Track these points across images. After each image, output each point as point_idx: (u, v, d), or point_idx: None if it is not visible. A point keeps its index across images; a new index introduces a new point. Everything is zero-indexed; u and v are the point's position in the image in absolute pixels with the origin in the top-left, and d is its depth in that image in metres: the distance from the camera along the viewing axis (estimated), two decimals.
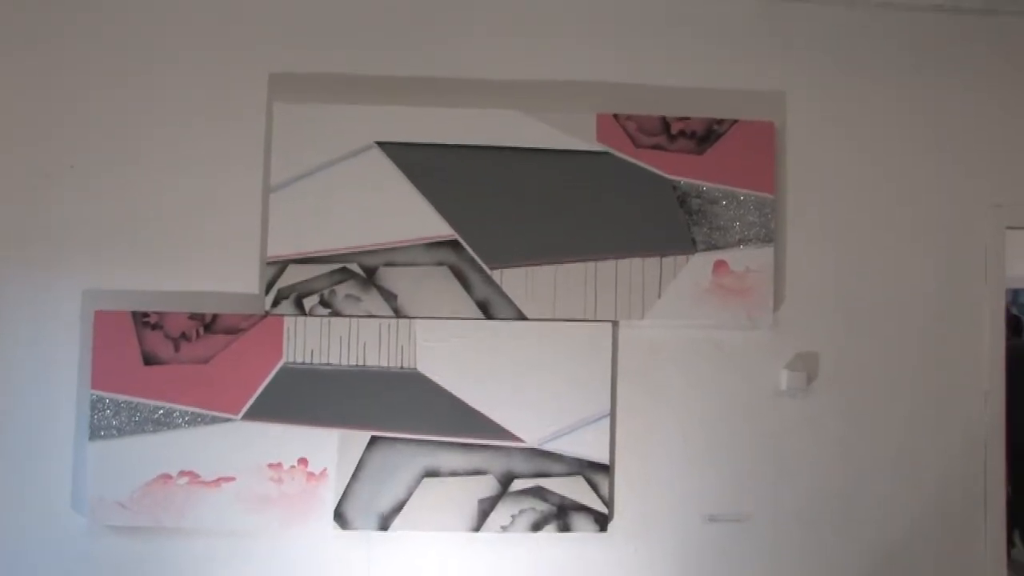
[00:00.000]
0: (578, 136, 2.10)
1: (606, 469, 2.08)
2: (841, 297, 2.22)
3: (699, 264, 2.11)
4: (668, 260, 2.10)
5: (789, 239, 2.21)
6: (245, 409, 2.05)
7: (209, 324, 2.06)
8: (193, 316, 2.06)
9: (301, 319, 2.06)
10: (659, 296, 2.09)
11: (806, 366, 2.20)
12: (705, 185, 2.13)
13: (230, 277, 2.10)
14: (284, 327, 2.06)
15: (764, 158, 2.15)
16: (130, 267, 2.08)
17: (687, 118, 2.14)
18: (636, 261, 2.10)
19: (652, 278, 2.09)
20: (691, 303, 2.10)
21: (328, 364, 2.05)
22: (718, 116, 2.16)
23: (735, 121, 2.15)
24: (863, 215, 2.25)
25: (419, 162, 2.08)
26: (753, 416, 2.19)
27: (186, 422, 2.06)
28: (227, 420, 2.05)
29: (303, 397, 2.05)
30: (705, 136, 2.14)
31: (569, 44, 2.19)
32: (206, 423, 2.05)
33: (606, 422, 2.08)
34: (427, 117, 2.10)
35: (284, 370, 2.05)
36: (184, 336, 2.06)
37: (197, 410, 2.05)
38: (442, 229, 2.07)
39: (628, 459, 2.13)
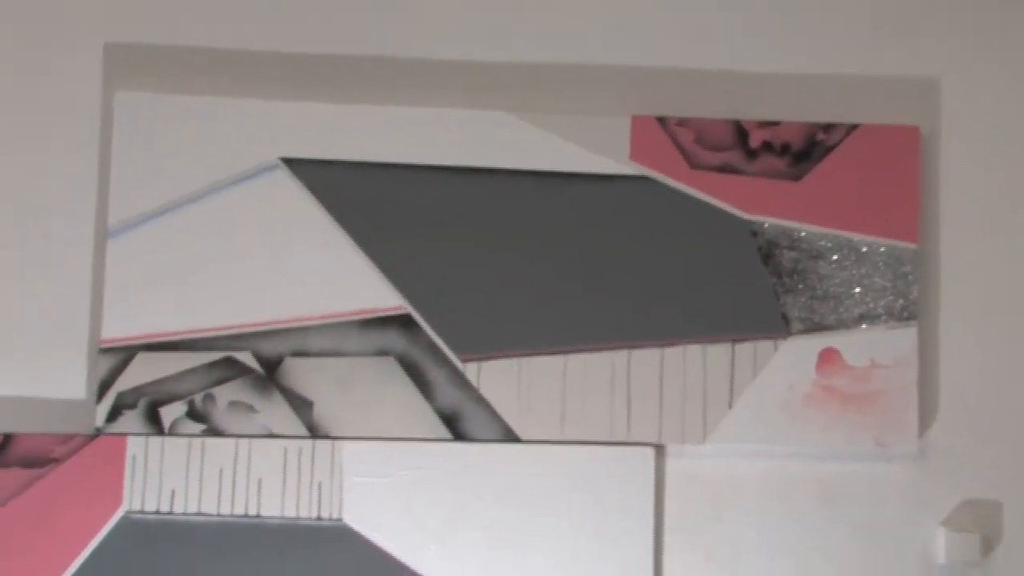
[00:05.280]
0: (602, 152, 1.73)
1: None
2: None
3: (794, 354, 1.71)
4: (744, 347, 1.71)
5: (944, 316, 1.78)
6: None
7: None
8: None
9: (155, 441, 1.63)
10: (730, 406, 1.70)
11: (979, 523, 1.74)
12: (804, 229, 1.72)
13: (36, 374, 1.69)
14: (127, 455, 1.62)
15: (903, 186, 1.75)
16: None
17: (775, 123, 1.74)
18: (693, 349, 1.71)
19: (719, 377, 1.71)
20: (781, 418, 1.71)
21: (199, 514, 1.63)
22: (826, 119, 1.75)
23: (854, 127, 1.74)
24: None
25: (350, 192, 1.71)
26: None
27: None
28: None
29: (154, 570, 1.62)
30: (805, 151, 1.74)
31: (588, 7, 1.79)
32: None
33: None
34: (363, 121, 1.72)
35: (124, 525, 1.61)
36: None
37: None
38: (386, 298, 1.69)
39: None
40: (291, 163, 1.71)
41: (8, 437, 1.61)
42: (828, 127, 1.76)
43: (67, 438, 1.63)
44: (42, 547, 1.61)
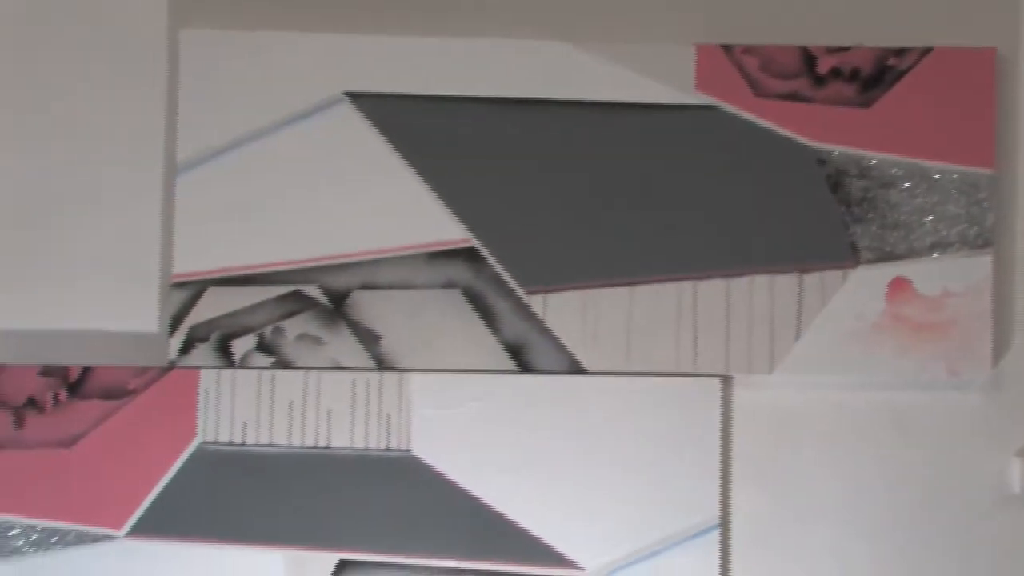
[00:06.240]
0: (666, 81, 1.66)
1: None
2: None
3: (864, 284, 1.64)
4: (812, 278, 1.64)
5: (1021, 243, 1.68)
6: (134, 520, 1.60)
7: (76, 384, 1.60)
8: (49, 371, 1.60)
9: (227, 374, 1.62)
10: (797, 336, 1.63)
11: None
12: (875, 157, 1.64)
13: (111, 308, 1.66)
14: (200, 387, 1.62)
15: (977, 111, 1.66)
16: None
17: (844, 48, 1.65)
18: (761, 280, 1.64)
19: (786, 307, 1.64)
20: (850, 348, 1.64)
21: (270, 445, 1.61)
22: (896, 44, 1.66)
23: (927, 50, 1.65)
24: None
25: (415, 125, 1.66)
26: (960, 536, 1.66)
27: (32, 544, 1.59)
28: (103, 539, 1.60)
29: (228, 499, 1.61)
30: (875, 77, 1.65)
31: None
32: (67, 545, 1.59)
33: (714, 538, 1.62)
34: (427, 54, 1.67)
35: (199, 455, 1.60)
36: (33, 404, 1.60)
37: (52, 524, 1.60)
38: (451, 231, 1.65)
39: None
40: (355, 97, 1.67)
41: (87, 371, 1.61)
42: (900, 52, 1.66)
43: (142, 371, 1.62)
44: (123, 475, 1.62)
